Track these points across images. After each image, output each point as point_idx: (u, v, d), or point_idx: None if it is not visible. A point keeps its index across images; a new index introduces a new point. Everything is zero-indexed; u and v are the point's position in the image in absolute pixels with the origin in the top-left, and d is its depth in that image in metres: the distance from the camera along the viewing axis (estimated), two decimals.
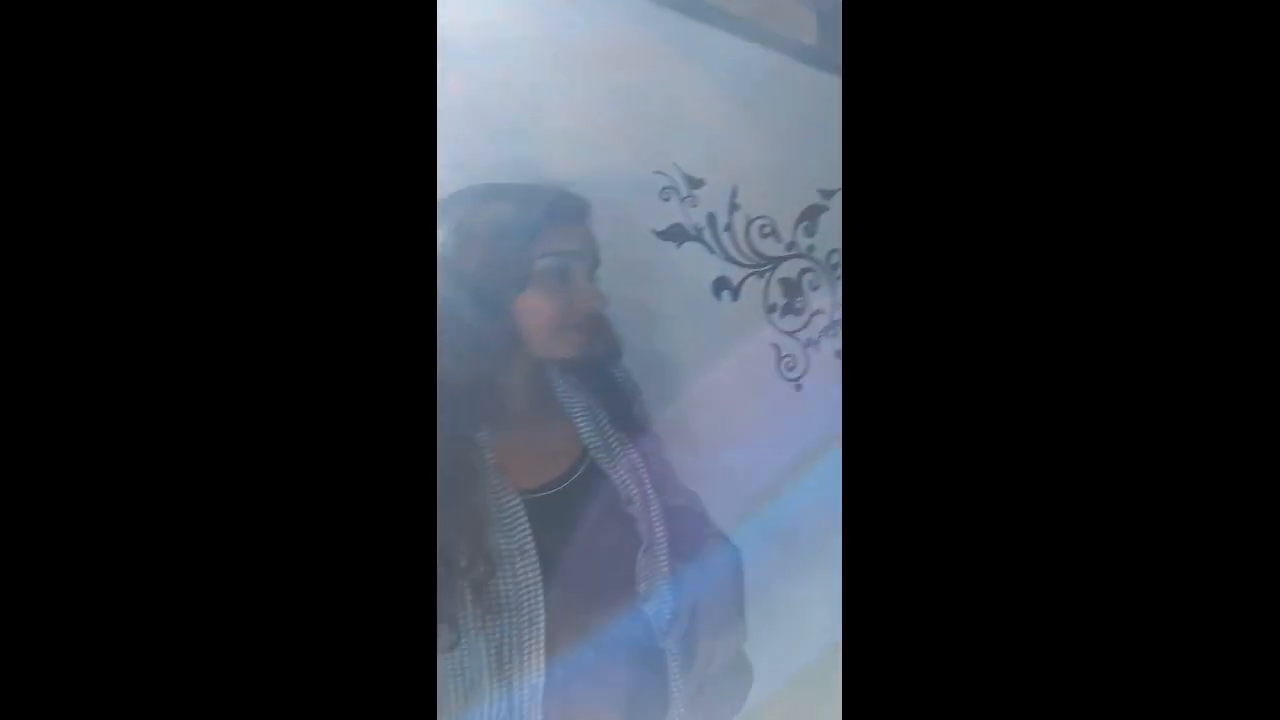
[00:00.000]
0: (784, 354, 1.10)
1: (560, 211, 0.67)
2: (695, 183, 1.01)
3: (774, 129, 1.04)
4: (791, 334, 1.11)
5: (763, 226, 1.06)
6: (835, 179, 1.08)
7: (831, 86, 1.05)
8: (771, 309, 1.08)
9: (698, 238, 1.02)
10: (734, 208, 1.04)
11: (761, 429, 1.05)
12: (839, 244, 1.11)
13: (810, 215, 1.10)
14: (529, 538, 0.61)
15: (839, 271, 1.13)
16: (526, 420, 0.69)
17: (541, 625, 0.60)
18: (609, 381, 0.76)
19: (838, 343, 1.14)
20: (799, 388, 1.11)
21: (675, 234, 1.01)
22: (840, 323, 1.13)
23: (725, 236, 1.04)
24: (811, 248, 1.11)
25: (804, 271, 1.10)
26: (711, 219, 1.03)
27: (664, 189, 0.99)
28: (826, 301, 1.13)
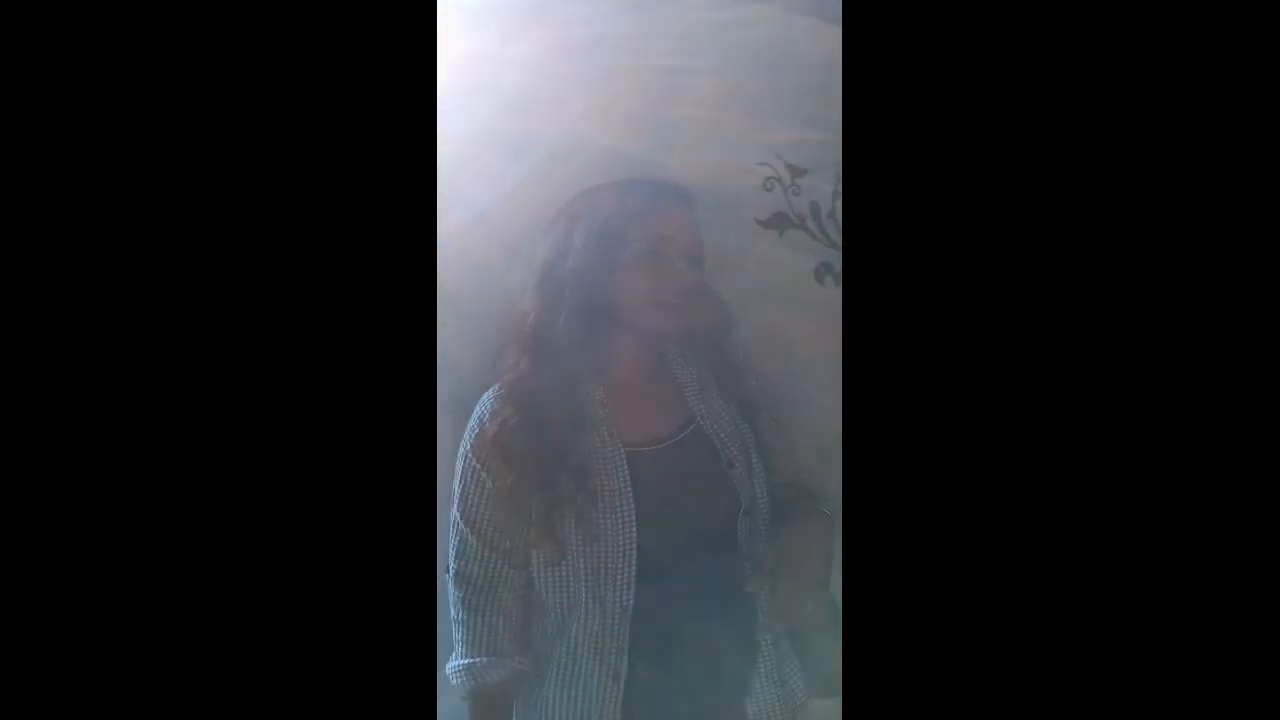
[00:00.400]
0: None
1: (658, 200, 0.76)
2: (798, 171, 1.05)
3: None
4: None
5: None
6: None
7: None
8: None
9: (801, 225, 1.06)
10: (836, 195, 1.06)
11: None
12: None
13: None
14: (628, 483, 0.70)
15: None
16: (639, 384, 0.79)
17: (634, 556, 0.69)
18: (720, 355, 0.83)
19: None
20: None
21: (778, 222, 1.05)
22: None
23: (829, 223, 1.07)
24: None
25: None
26: (814, 207, 1.06)
27: (767, 179, 1.04)
28: None
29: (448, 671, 0.71)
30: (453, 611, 0.73)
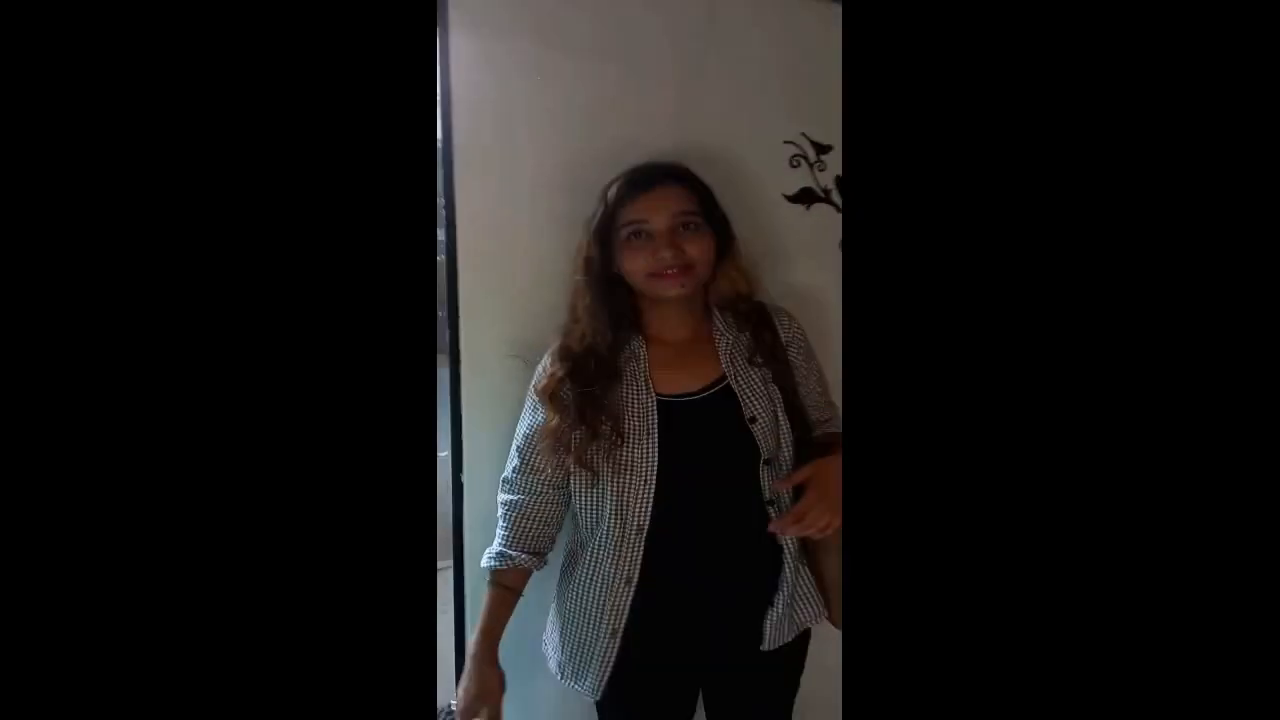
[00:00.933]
0: None
1: (639, 184, 0.82)
2: (823, 149, 1.08)
3: None
4: None
5: None
6: None
7: None
8: None
9: (826, 199, 1.09)
10: None
11: None
12: None
13: None
14: (654, 427, 0.81)
15: None
16: (681, 342, 0.88)
17: (653, 487, 0.80)
18: (753, 319, 0.89)
19: None
20: None
21: (804, 197, 1.08)
22: None
23: None
24: None
25: None
26: (839, 181, 1.09)
27: (793, 157, 1.08)
28: None
29: (483, 560, 0.87)
30: (498, 511, 0.89)
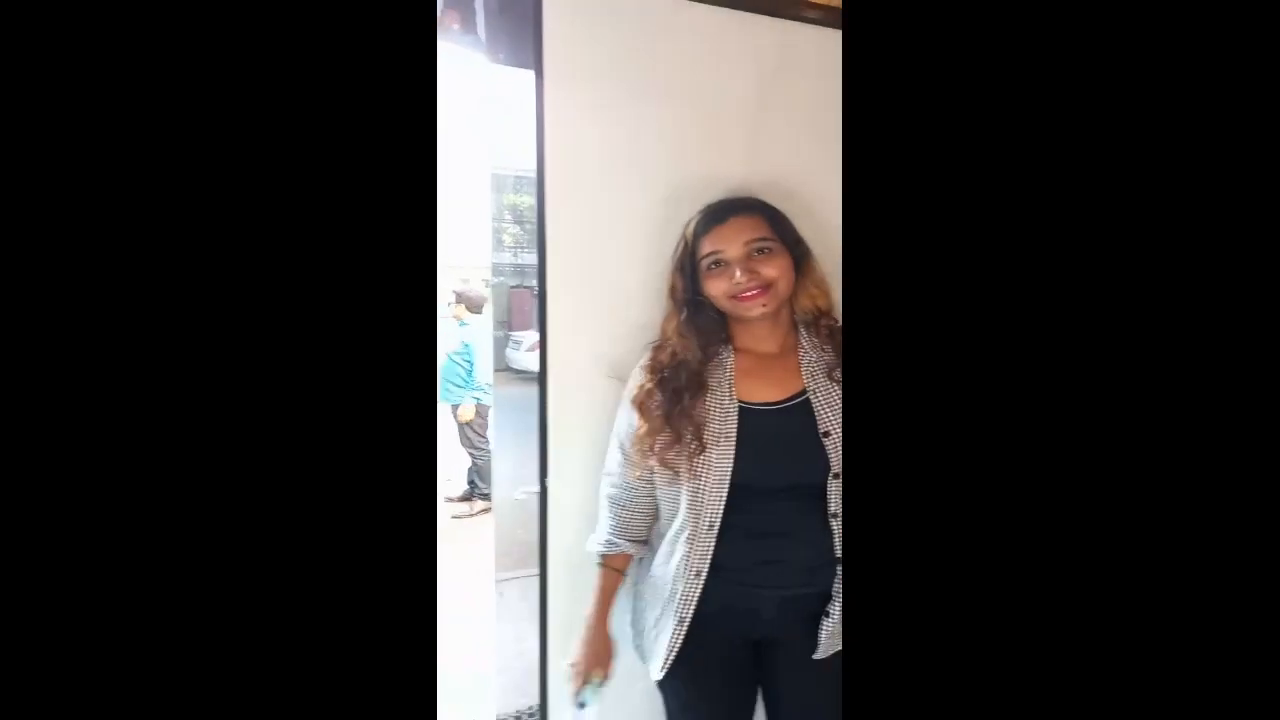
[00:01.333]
0: None
1: (710, 219, 0.93)
2: None
3: None
4: None
5: None
6: None
7: None
8: None
9: None
10: None
11: None
12: None
13: None
14: (734, 432, 0.89)
15: None
16: (768, 356, 0.96)
17: (725, 488, 0.87)
18: (835, 337, 0.96)
19: None
20: None
21: None
22: None
23: None
24: None
25: None
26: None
27: None
28: None
29: (589, 544, 0.99)
30: (603, 503, 1.00)
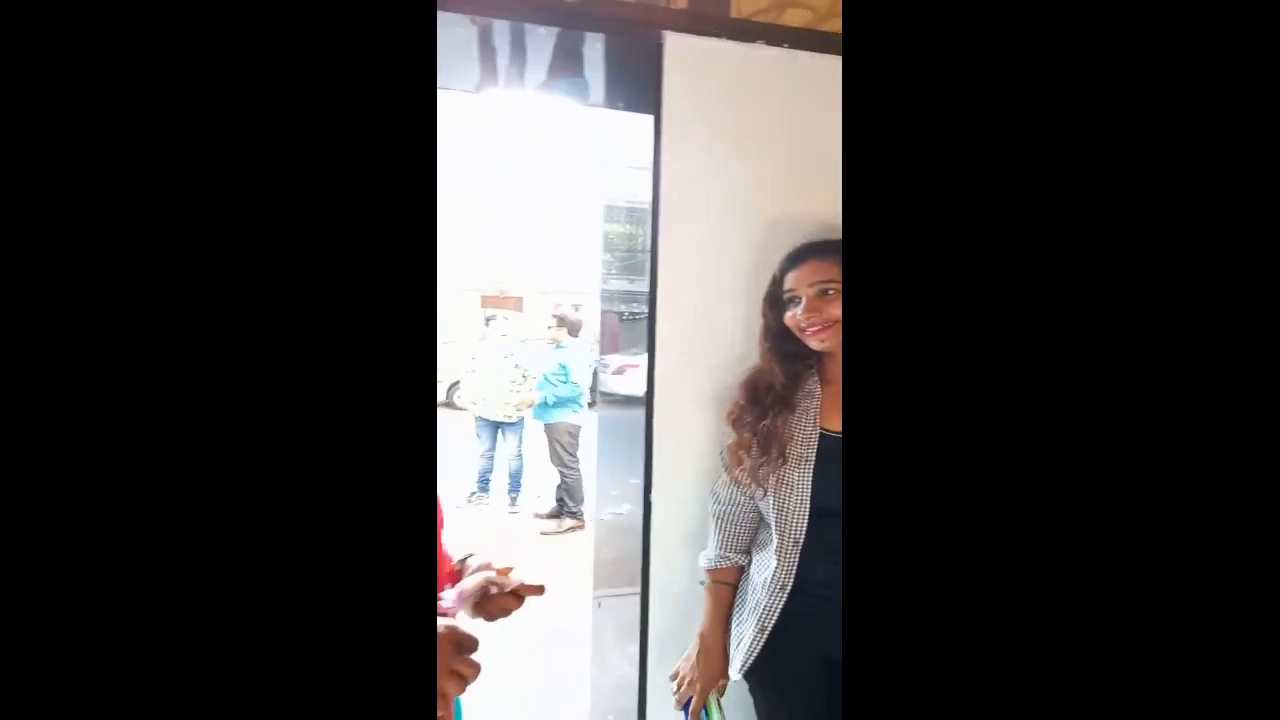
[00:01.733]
0: None
1: (790, 261, 1.02)
2: None
3: None
4: None
5: None
6: None
7: None
8: None
9: None
10: None
11: None
12: None
13: None
14: (813, 456, 0.97)
15: None
16: None
17: (807, 507, 0.95)
18: None
19: None
20: None
21: None
22: None
23: None
24: None
25: None
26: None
27: None
28: None
29: (700, 559, 1.06)
30: (710, 523, 1.07)
